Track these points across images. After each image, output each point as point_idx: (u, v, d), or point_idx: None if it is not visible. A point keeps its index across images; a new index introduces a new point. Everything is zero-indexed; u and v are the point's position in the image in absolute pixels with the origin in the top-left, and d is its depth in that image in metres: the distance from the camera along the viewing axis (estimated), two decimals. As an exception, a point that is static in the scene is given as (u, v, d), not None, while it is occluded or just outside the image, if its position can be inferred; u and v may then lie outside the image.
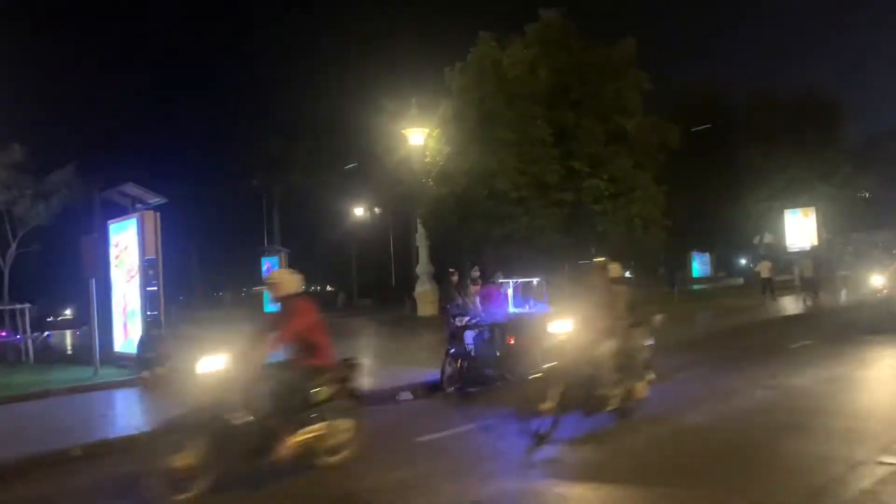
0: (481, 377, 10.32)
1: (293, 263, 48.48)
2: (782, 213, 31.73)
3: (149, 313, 12.30)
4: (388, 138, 23.65)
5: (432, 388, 10.14)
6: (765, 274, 23.85)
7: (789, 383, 9.06)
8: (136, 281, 12.54)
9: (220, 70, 36.42)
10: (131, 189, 12.80)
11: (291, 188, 42.38)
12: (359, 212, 37.40)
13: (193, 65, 37.41)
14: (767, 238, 34.64)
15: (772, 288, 23.79)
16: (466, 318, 10.40)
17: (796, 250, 32.24)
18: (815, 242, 31.36)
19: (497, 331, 10.10)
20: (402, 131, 22.09)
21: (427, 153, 21.43)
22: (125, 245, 12.97)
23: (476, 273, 11.29)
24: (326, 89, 32.29)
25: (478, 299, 10.97)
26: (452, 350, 10.14)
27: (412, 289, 24.23)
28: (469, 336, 10.42)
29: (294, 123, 37.29)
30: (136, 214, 12.59)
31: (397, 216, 33.11)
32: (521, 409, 6.91)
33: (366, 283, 48.00)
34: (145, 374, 11.64)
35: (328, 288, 61.57)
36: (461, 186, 19.54)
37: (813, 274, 22.03)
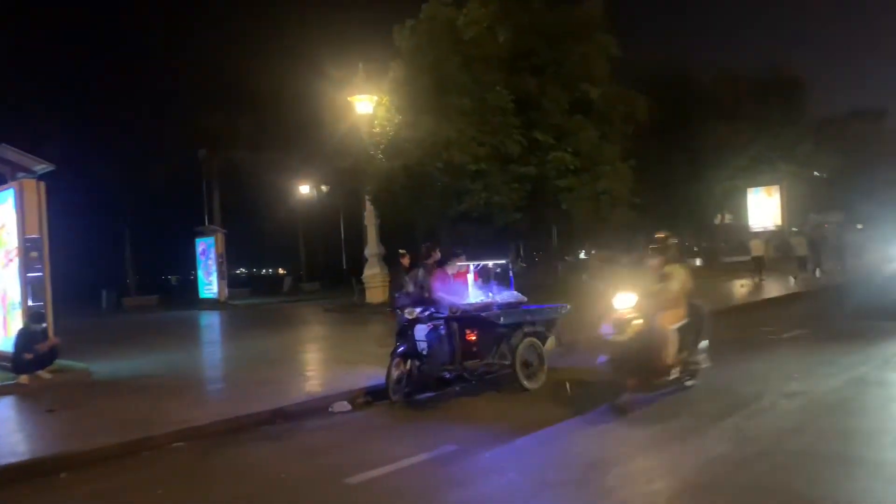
0: (436, 381, 8.54)
1: (235, 245, 45.92)
2: (745, 192, 30.90)
3: (31, 304, 10.09)
4: (334, 108, 21.56)
5: (376, 396, 8.31)
6: (757, 252, 22.74)
7: (814, 389, 7.44)
8: (15, 265, 10.29)
9: (153, 37, 33.41)
10: (8, 153, 10.48)
11: (233, 165, 39.68)
12: (304, 189, 35.01)
13: (121, 29, 34.26)
14: (728, 218, 33.84)
15: (760, 267, 22.73)
16: (418, 310, 8.57)
17: (759, 230, 31.50)
18: (779, 222, 30.63)
19: (455, 324, 8.31)
20: (349, 99, 20.04)
21: (376, 123, 19.42)
22: (2, 223, 10.68)
23: (434, 255, 9.45)
24: (268, 56, 29.75)
25: (434, 286, 9.14)
26: (401, 349, 8.31)
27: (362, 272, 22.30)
28: (421, 331, 8.58)
29: (234, 95, 34.57)
30: (14, 184, 10.30)
31: (349, 194, 31.01)
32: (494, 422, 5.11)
33: (316, 266, 45.78)
34: (23, 378, 9.50)
35: (280, 271, 59.08)
36: (413, 159, 17.63)
37: (807, 252, 21.13)
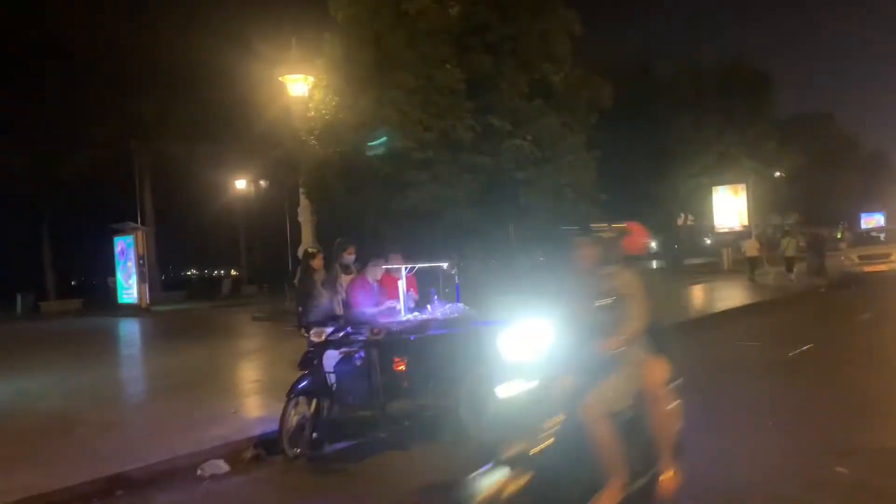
0: (353, 425, 6.32)
1: (168, 245, 42.58)
2: (710, 190, 29.45)
3: None
4: (266, 90, 19.09)
5: (272, 447, 6.03)
6: (751, 252, 22.53)
7: (876, 446, 5.40)
8: None
9: (71, 12, 30.09)
10: None
11: (166, 157, 36.49)
12: (241, 185, 32.24)
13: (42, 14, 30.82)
14: (690, 219, 32.43)
15: (752, 267, 22.30)
16: (328, 330, 6.32)
17: (724, 231, 30.13)
18: (745, 222, 29.26)
19: (375, 351, 6.07)
20: (281, 79, 17.61)
21: (311, 106, 17.04)
22: None
23: (348, 257, 7.22)
24: (198, 34, 26.77)
25: (352, 297, 6.92)
26: (303, 383, 6.04)
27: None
28: (331, 359, 6.35)
29: (163, 77, 31.53)
30: None
31: (294, 190, 28.41)
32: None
33: (259, 268, 42.90)
34: None
35: (233, 273, 55.62)
36: (351, 145, 15.32)
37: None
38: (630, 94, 27.94)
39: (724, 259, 29.19)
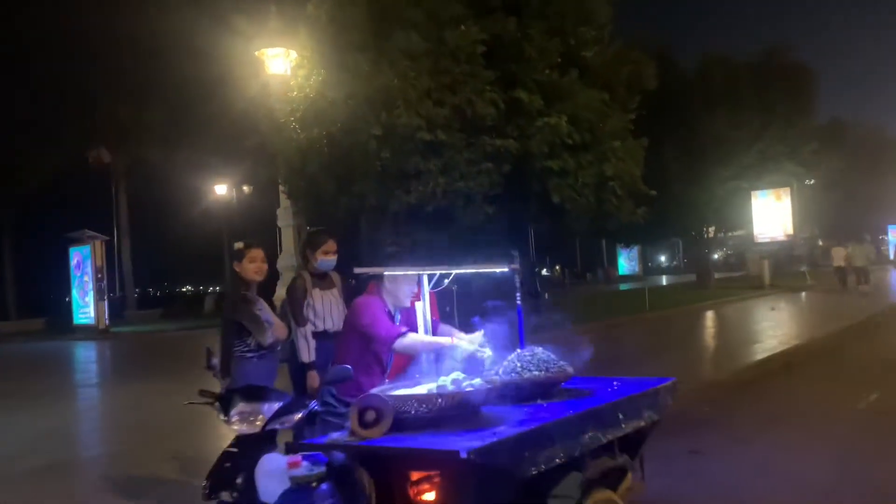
0: None
1: (146, 258, 39.11)
2: (748, 196, 26.15)
3: None
4: (242, 71, 15.81)
5: None
6: (841, 261, 20.88)
7: None
8: None
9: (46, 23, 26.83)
10: None
11: (144, 164, 33.13)
12: (220, 190, 28.84)
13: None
14: (712, 230, 29.15)
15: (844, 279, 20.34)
16: (266, 410, 2.94)
17: (766, 241, 26.84)
18: (790, 231, 25.98)
19: (365, 473, 2.64)
20: (257, 53, 14.33)
21: (293, 84, 13.75)
22: None
23: (325, 259, 3.96)
24: (172, 34, 23.42)
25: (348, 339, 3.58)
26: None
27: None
28: (271, 479, 2.93)
29: (132, 78, 28.21)
30: None
31: (274, 188, 24.98)
32: None
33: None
34: None
35: (218, 289, 52.01)
36: (338, 124, 12.01)
37: (864, 263, 19.88)
38: (660, 89, 24.78)
39: (764, 273, 25.91)
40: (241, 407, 3.01)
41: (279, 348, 4.11)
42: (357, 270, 3.57)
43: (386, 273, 3.59)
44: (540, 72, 12.81)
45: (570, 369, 3.30)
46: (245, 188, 28.48)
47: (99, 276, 21.29)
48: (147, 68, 26.45)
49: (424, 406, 2.70)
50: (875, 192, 38.74)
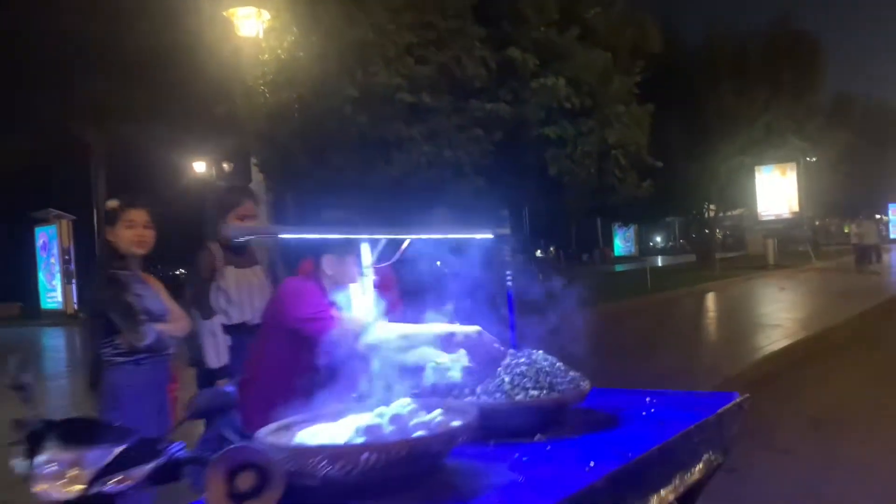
0: None
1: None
2: (752, 172, 25.00)
3: None
4: (212, 36, 14.47)
5: None
6: (870, 240, 19.20)
7: None
8: None
9: None
10: None
11: (124, 141, 31.68)
12: (199, 168, 27.48)
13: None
14: (712, 209, 28.00)
15: (877, 257, 19.06)
16: (110, 455, 1.77)
17: (771, 219, 25.73)
18: (796, 209, 24.86)
19: None
20: (226, 13, 13.01)
21: (265, 47, 12.43)
22: None
23: (239, 227, 2.77)
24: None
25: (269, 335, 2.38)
26: None
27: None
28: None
29: (108, 52, 26.63)
30: None
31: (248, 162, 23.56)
32: None
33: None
34: None
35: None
36: (310, 86, 10.74)
37: (877, 240, 19.11)
38: (663, 61, 23.57)
39: (769, 252, 24.79)
40: (51, 454, 1.82)
41: (171, 350, 2.93)
42: (232, 230, 2.35)
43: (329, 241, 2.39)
44: (535, 28, 11.56)
45: (585, 384, 2.13)
46: (225, 165, 27.11)
47: (66, 257, 20.02)
48: (110, 33, 24.93)
49: (341, 464, 1.53)
50: (877, 169, 37.68)
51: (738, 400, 2.28)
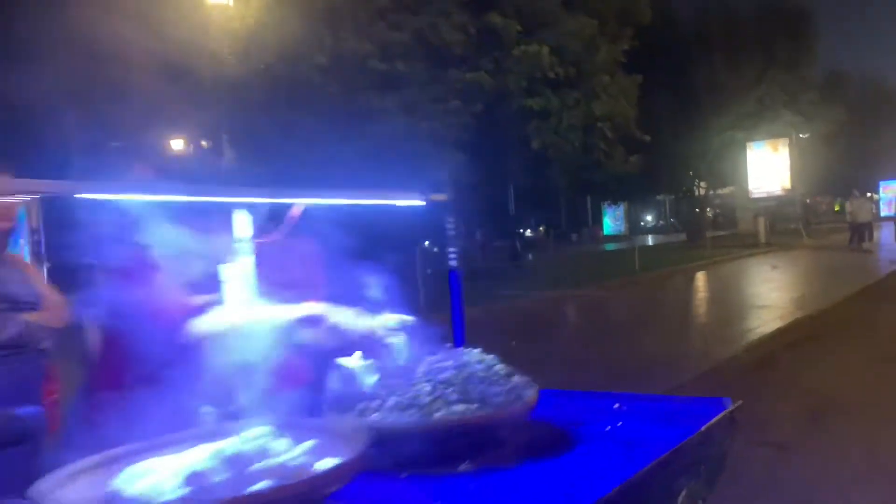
0: None
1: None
2: (743, 147, 24.47)
3: None
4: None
5: None
6: (864, 217, 18.38)
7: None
8: None
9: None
10: None
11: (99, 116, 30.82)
12: (177, 146, 26.66)
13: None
14: (702, 186, 27.49)
15: (869, 235, 18.61)
16: None
17: (762, 196, 25.25)
18: (788, 186, 24.39)
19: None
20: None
21: (234, 15, 11.76)
22: None
23: None
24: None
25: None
26: None
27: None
28: None
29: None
30: None
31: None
32: None
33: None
34: None
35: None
36: (278, 53, 10.11)
37: (870, 217, 18.26)
38: (652, 34, 22.88)
39: (760, 231, 24.37)
40: None
41: (44, 344, 2.38)
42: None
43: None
44: (518, -7, 10.93)
45: (529, 394, 1.60)
46: (203, 142, 26.34)
47: (36, 238, 19.30)
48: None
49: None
50: (867, 146, 37.27)
51: (728, 409, 1.78)
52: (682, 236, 29.50)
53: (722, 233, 34.89)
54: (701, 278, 15.05)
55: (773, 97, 22.90)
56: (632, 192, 27.31)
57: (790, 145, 23.81)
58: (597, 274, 14.26)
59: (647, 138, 12.33)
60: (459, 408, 1.50)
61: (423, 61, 10.04)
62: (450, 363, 1.62)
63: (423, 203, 2.09)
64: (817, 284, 12.62)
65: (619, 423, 1.72)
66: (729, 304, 10.29)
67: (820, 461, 4.10)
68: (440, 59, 10.19)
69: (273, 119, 10.93)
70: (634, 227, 56.83)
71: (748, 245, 23.33)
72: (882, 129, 37.86)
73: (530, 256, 17.18)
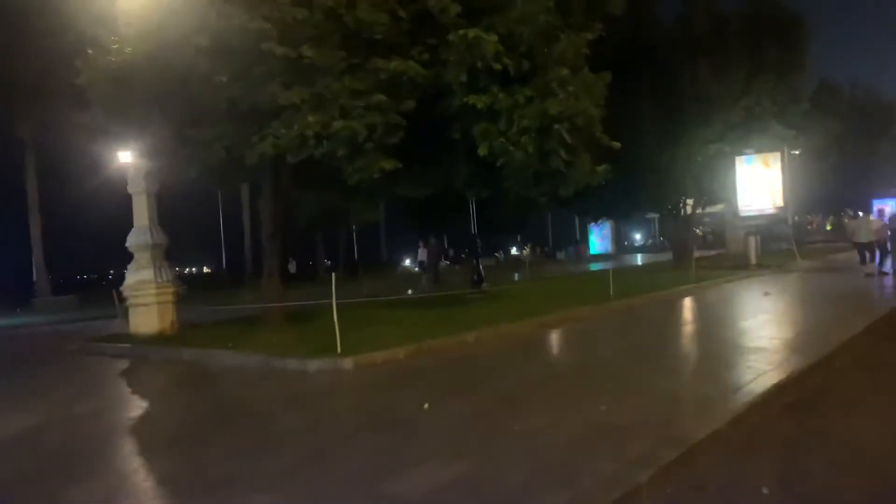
0: None
1: (62, 238, 35.07)
2: (732, 162, 22.75)
3: None
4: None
5: None
6: (866, 238, 16.89)
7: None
8: None
9: None
10: None
11: (53, 130, 28.85)
12: (124, 158, 24.69)
13: None
14: (689, 204, 25.69)
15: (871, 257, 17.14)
16: None
17: (753, 214, 23.48)
18: (780, 203, 22.66)
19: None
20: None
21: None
22: None
23: None
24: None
25: None
26: None
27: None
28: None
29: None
30: None
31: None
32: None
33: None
34: None
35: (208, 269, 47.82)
36: (160, 38, 8.24)
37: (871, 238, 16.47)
38: (633, 38, 21.23)
39: (751, 250, 22.61)
40: None
41: None
42: None
43: None
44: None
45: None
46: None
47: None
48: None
49: None
50: (861, 162, 35.77)
51: None
52: (671, 255, 27.79)
53: (711, 252, 33.23)
54: (681, 308, 13.18)
55: (762, 107, 21.21)
56: (613, 209, 25.47)
57: (782, 160, 22.11)
58: (560, 302, 12.40)
59: (617, 145, 10.46)
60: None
61: (337, 47, 8.20)
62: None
63: None
64: (818, 315, 10.76)
65: None
66: (710, 346, 8.39)
67: None
68: (360, 45, 8.36)
69: (166, 117, 9.07)
70: (622, 246, 55.14)
71: (738, 266, 21.58)
72: (876, 145, 36.43)
73: (484, 286, 15.24)
